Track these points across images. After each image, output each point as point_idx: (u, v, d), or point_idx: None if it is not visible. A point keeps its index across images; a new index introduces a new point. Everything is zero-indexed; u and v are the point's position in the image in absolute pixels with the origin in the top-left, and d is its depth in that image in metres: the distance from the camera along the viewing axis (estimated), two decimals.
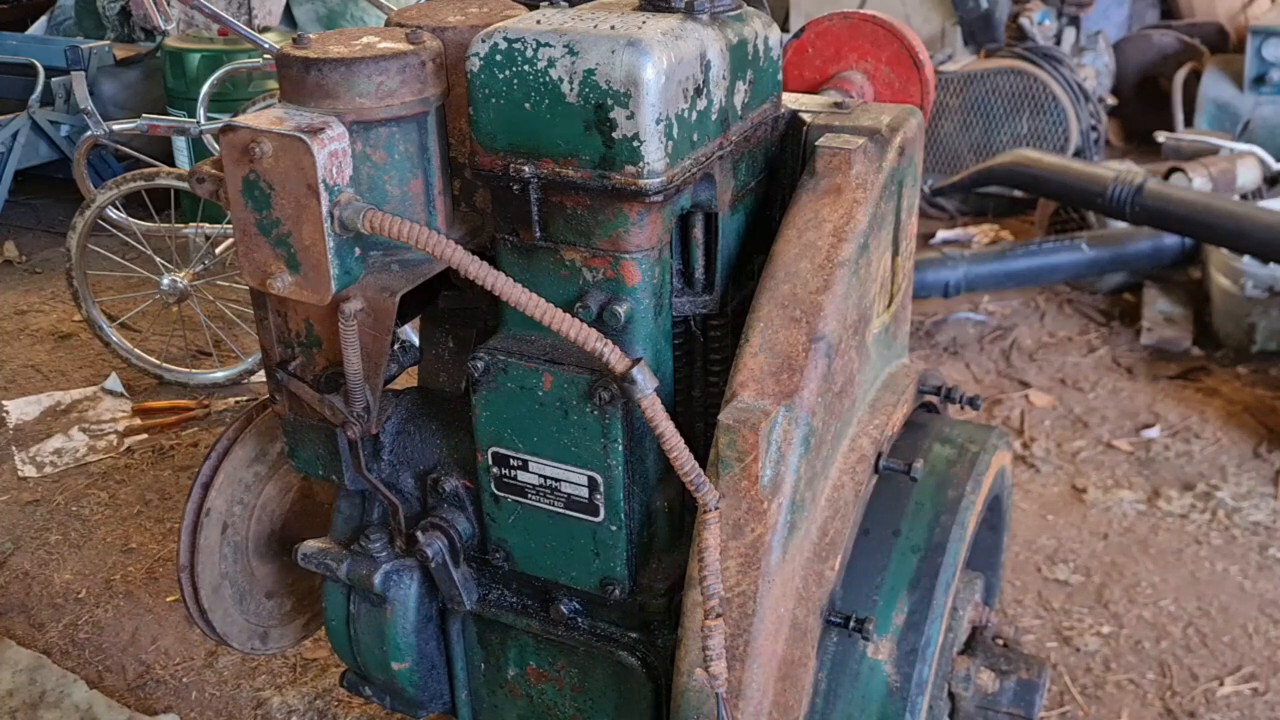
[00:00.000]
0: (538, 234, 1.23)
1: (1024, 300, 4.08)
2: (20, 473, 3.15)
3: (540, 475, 1.32)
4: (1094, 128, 4.76)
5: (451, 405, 1.47)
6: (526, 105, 1.17)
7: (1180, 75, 5.28)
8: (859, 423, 1.39)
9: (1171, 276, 3.97)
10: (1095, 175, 3.57)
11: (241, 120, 1.17)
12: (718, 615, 1.15)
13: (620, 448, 1.26)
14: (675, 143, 1.17)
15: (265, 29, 4.89)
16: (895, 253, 1.45)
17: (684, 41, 1.17)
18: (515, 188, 1.21)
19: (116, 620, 2.53)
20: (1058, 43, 5.08)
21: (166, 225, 3.57)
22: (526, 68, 1.16)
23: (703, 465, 1.17)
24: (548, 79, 1.15)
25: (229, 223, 1.96)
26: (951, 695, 1.47)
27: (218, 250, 3.54)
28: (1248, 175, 4.06)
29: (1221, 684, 2.32)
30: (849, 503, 1.32)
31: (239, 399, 3.54)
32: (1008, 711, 1.47)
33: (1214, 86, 5.03)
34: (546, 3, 1.28)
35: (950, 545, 1.37)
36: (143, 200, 3.65)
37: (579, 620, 1.42)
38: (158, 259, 3.52)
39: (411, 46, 1.22)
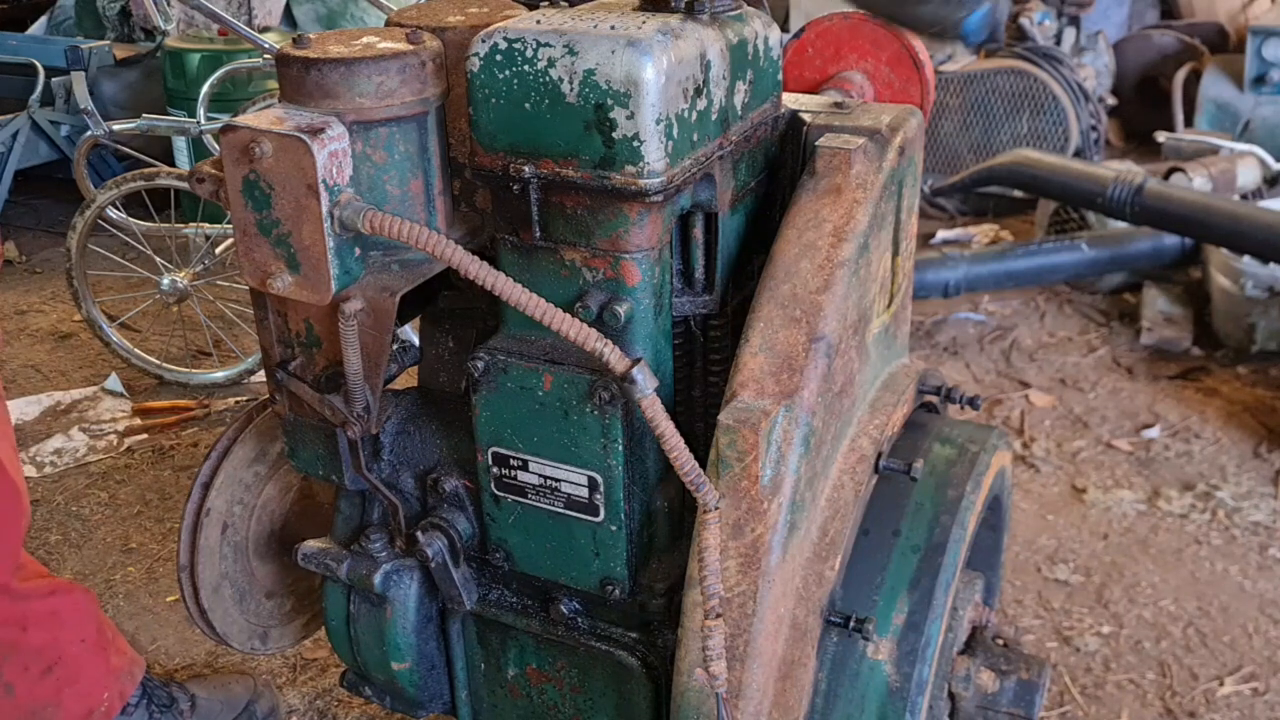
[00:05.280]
0: (538, 234, 1.23)
1: (1024, 300, 4.08)
2: None
3: (540, 475, 1.32)
4: (1094, 128, 4.76)
5: (451, 405, 1.47)
6: (526, 105, 1.17)
7: (1180, 75, 5.28)
8: (859, 423, 1.39)
9: (1171, 276, 3.97)
10: (1095, 175, 3.57)
11: (241, 120, 1.17)
12: (718, 615, 1.15)
13: (620, 448, 1.26)
14: (675, 143, 1.17)
15: (265, 29, 4.89)
16: (895, 253, 1.45)
17: (684, 41, 1.17)
18: (515, 188, 1.21)
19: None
20: (1058, 43, 5.08)
21: (166, 225, 3.57)
22: (526, 68, 1.16)
23: (703, 465, 1.17)
24: (548, 79, 1.15)
25: (229, 223, 1.96)
26: (951, 695, 1.47)
27: (218, 250, 3.54)
28: (1248, 175, 4.06)
29: (1221, 684, 2.32)
30: (849, 503, 1.32)
31: (239, 399, 3.54)
32: (1008, 711, 1.47)
33: (1214, 86, 5.03)
34: (546, 3, 1.28)
35: (950, 545, 1.37)
36: (143, 200, 3.65)
37: (579, 620, 1.42)
38: (158, 259, 3.51)
39: (411, 46, 1.22)
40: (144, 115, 3.59)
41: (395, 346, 1.43)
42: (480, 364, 1.30)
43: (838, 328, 1.25)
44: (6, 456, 1.75)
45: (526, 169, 1.19)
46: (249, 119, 1.18)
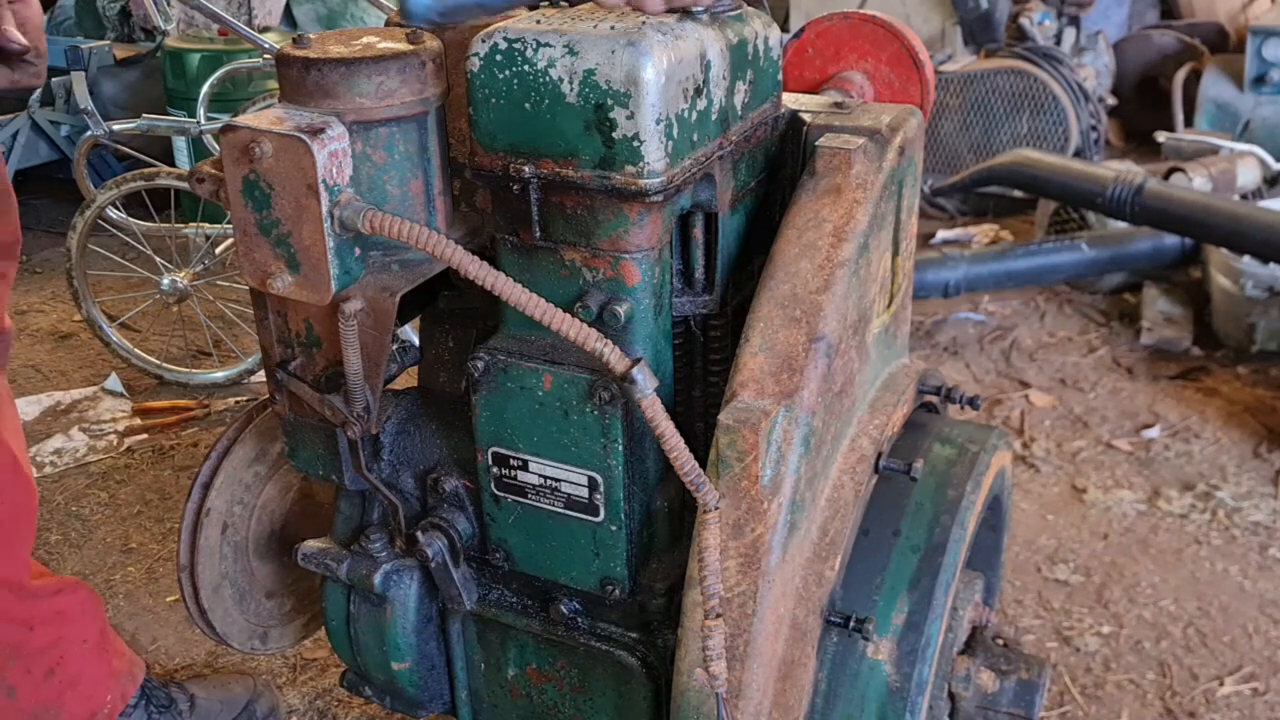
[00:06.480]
0: (538, 234, 1.23)
1: (1024, 300, 4.08)
2: None
3: (540, 475, 1.32)
4: (1094, 128, 4.76)
5: (451, 405, 1.47)
6: (526, 105, 1.17)
7: (1180, 75, 5.28)
8: (859, 423, 1.39)
9: (1171, 276, 3.97)
10: (1095, 175, 3.57)
11: (241, 120, 1.17)
12: (718, 615, 1.15)
13: (620, 448, 1.26)
14: (675, 143, 1.17)
15: (265, 29, 4.89)
16: (895, 253, 1.46)
17: (684, 41, 1.17)
18: (515, 188, 1.21)
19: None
20: (1058, 43, 5.09)
21: (166, 225, 3.57)
22: (526, 68, 1.16)
23: (703, 465, 1.17)
24: (548, 79, 1.15)
25: (229, 223, 1.96)
26: (951, 695, 1.47)
27: (218, 250, 3.54)
28: (1248, 175, 4.06)
29: (1221, 684, 2.32)
30: (849, 503, 1.32)
31: (239, 399, 3.54)
32: (1008, 711, 1.47)
33: (1214, 86, 5.03)
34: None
35: (950, 545, 1.37)
36: (143, 200, 3.66)
37: (579, 620, 1.42)
38: (158, 259, 3.52)
39: (411, 46, 1.22)
40: (144, 115, 3.59)
41: (395, 346, 1.43)
42: (480, 364, 1.30)
43: (838, 328, 1.25)
44: (19, 452, 1.74)
45: (526, 169, 1.19)
46: (249, 119, 1.18)
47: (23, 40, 1.51)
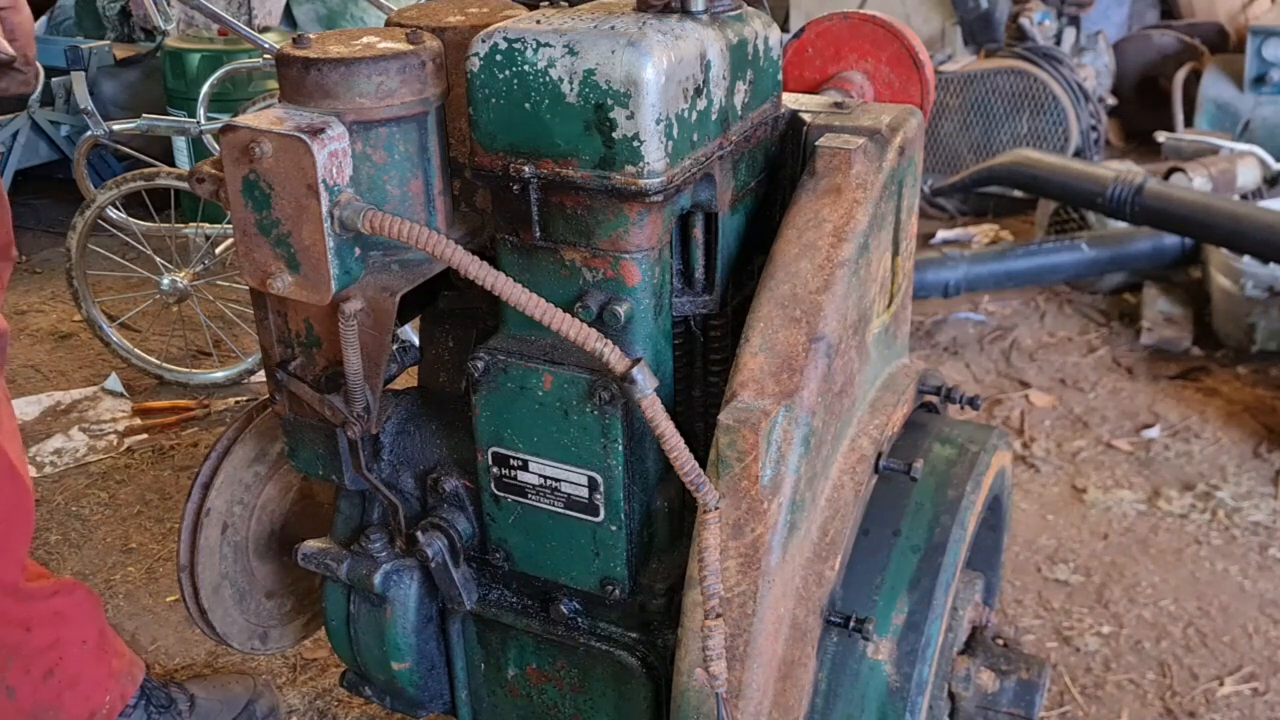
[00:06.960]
0: (538, 234, 1.23)
1: (1024, 300, 4.08)
2: None
3: (540, 475, 1.32)
4: (1094, 128, 4.76)
5: (451, 405, 1.48)
6: (526, 105, 1.17)
7: (1180, 75, 5.28)
8: (859, 423, 1.39)
9: (1171, 276, 3.97)
10: (1095, 175, 3.57)
11: (241, 120, 1.17)
12: (718, 615, 1.15)
13: (620, 448, 1.26)
14: (675, 143, 1.17)
15: (265, 29, 4.89)
16: (895, 253, 1.46)
17: (684, 42, 1.17)
18: (515, 188, 1.21)
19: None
20: (1058, 43, 5.09)
21: (166, 225, 3.57)
22: (526, 68, 1.16)
23: (703, 465, 1.17)
24: (548, 79, 1.15)
25: (229, 223, 1.96)
26: (951, 695, 1.47)
27: (218, 250, 3.54)
28: (1248, 175, 4.06)
29: (1221, 684, 2.32)
30: (849, 503, 1.32)
31: (239, 399, 3.54)
32: (1008, 711, 1.47)
33: (1214, 86, 5.03)
34: (546, 3, 1.28)
35: (950, 545, 1.37)
36: (143, 200, 3.66)
37: (579, 620, 1.42)
38: (158, 259, 3.52)
39: (411, 46, 1.22)
40: (144, 115, 3.59)
41: (395, 346, 1.43)
42: (480, 364, 1.30)
43: (838, 328, 1.25)
44: (15, 455, 1.75)
45: (526, 169, 1.19)
46: (249, 119, 1.18)
47: (9, 50, 1.51)
